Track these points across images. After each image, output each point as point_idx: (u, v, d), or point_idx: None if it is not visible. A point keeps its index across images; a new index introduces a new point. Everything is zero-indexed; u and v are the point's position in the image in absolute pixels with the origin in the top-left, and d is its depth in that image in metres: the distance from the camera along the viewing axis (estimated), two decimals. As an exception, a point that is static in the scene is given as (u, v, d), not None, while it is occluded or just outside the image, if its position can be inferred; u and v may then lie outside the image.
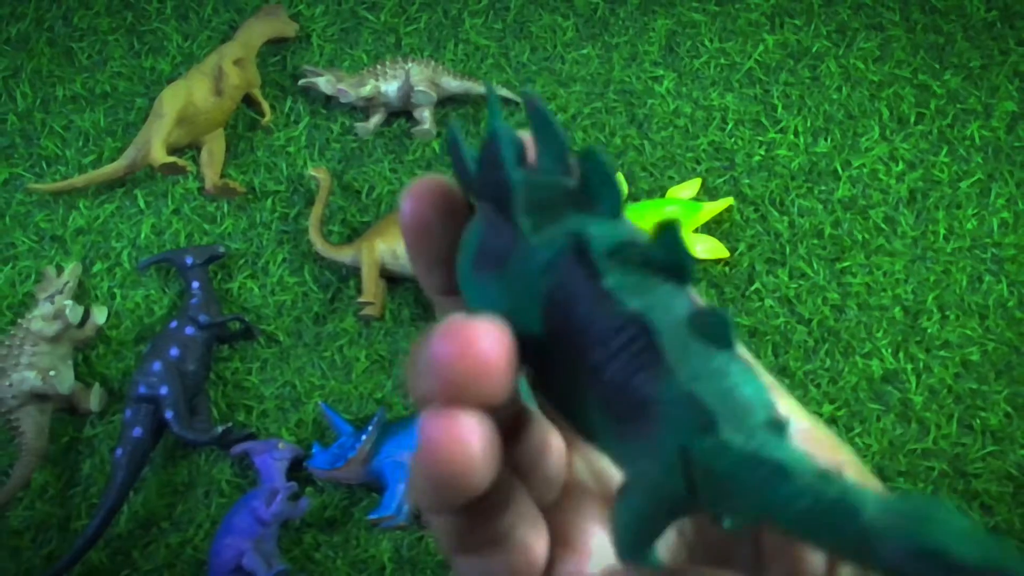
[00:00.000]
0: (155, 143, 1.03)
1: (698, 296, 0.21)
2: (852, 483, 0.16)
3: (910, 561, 0.15)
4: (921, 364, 0.97)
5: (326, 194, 1.04)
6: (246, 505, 0.88)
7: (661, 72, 1.13)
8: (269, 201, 1.07)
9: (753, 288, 1.01)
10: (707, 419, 0.17)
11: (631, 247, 0.19)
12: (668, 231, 0.19)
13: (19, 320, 0.97)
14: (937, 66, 1.12)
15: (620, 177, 0.22)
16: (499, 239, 0.21)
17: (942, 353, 0.97)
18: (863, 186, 1.06)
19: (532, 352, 0.20)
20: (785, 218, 1.04)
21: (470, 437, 0.18)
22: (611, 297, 0.19)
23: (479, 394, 0.18)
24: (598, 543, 0.23)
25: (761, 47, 1.13)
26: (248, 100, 1.12)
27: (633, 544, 0.19)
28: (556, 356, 0.20)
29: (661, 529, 0.19)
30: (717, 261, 1.02)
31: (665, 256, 0.19)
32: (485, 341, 0.18)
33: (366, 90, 1.08)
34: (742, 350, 0.22)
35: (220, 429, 0.92)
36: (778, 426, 0.17)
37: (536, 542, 0.22)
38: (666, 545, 0.24)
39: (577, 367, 0.19)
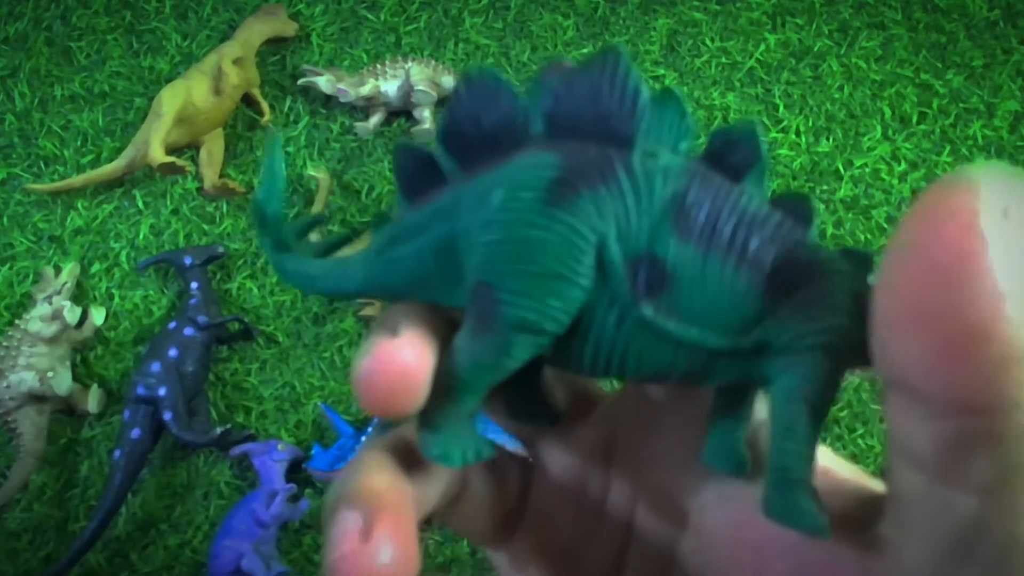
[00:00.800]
0: (154, 143, 1.02)
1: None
2: None
3: None
4: (924, 365, 0.96)
5: (326, 194, 1.03)
6: (246, 507, 0.87)
7: (662, 71, 1.12)
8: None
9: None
10: (871, 263, 0.20)
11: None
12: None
13: (17, 321, 0.96)
14: (939, 65, 1.11)
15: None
16: (594, 163, 0.20)
17: (945, 353, 0.97)
18: (865, 186, 1.05)
19: (653, 265, 0.20)
20: (787, 218, 1.04)
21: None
22: (748, 192, 0.20)
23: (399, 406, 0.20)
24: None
25: (762, 46, 1.13)
26: (247, 99, 1.12)
27: (816, 426, 0.19)
28: (683, 256, 0.20)
29: (835, 392, 0.19)
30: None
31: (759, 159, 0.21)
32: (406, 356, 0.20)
33: (366, 89, 1.08)
34: None
35: (219, 430, 0.91)
36: None
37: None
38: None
39: (710, 260, 0.20)
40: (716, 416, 0.23)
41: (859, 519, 0.20)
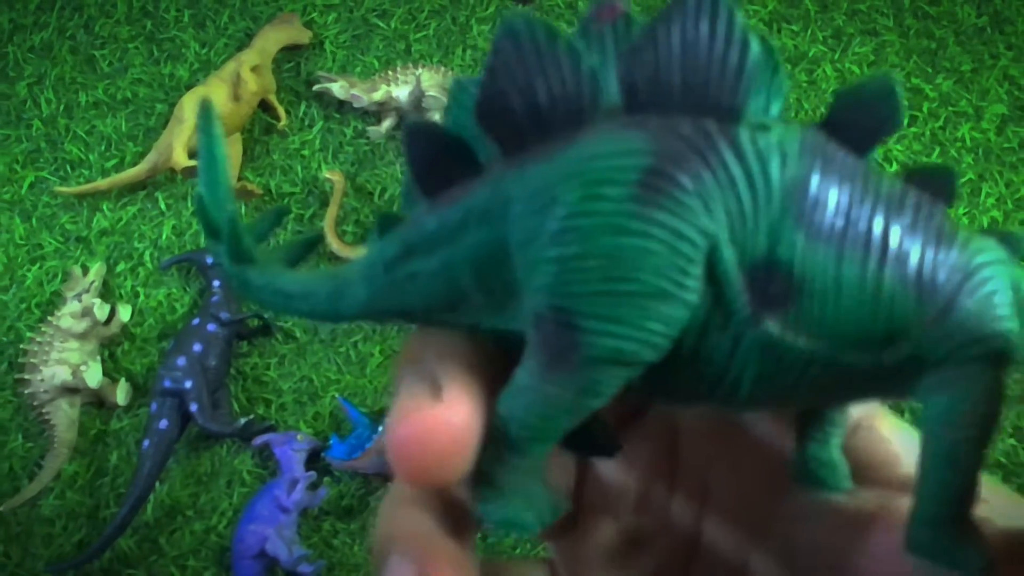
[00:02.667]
0: (177, 147, 1.06)
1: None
2: None
3: None
4: (914, 357, 1.00)
5: (340, 196, 1.08)
6: (268, 493, 0.92)
7: (663, 77, 1.16)
8: (285, 202, 1.11)
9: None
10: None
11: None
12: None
13: (49, 318, 1.01)
14: (929, 70, 1.16)
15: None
16: (691, 144, 0.16)
17: (934, 347, 1.01)
18: (858, 186, 1.10)
19: (785, 253, 0.16)
20: (783, 217, 1.08)
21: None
22: (875, 169, 0.17)
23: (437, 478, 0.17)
24: None
25: (759, 52, 1.17)
26: (264, 105, 1.16)
27: (982, 453, 0.16)
28: (813, 259, 0.16)
29: (1001, 410, 0.16)
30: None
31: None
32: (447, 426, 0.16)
33: (378, 95, 1.12)
34: None
35: (242, 421, 0.96)
36: None
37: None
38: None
39: (846, 260, 0.16)
40: (808, 427, 0.20)
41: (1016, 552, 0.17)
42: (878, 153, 1.12)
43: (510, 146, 0.17)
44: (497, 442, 0.17)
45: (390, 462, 0.16)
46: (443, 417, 0.16)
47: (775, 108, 0.17)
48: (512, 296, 0.18)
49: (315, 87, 1.15)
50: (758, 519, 0.22)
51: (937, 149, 1.11)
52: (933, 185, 0.17)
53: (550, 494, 0.18)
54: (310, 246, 0.24)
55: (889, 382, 0.17)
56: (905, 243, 0.16)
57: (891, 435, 0.21)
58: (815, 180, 0.16)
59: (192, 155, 1.10)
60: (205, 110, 0.21)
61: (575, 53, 0.16)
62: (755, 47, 0.16)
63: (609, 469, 0.23)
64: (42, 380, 0.96)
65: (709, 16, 0.16)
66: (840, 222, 0.16)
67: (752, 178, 0.16)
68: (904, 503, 0.19)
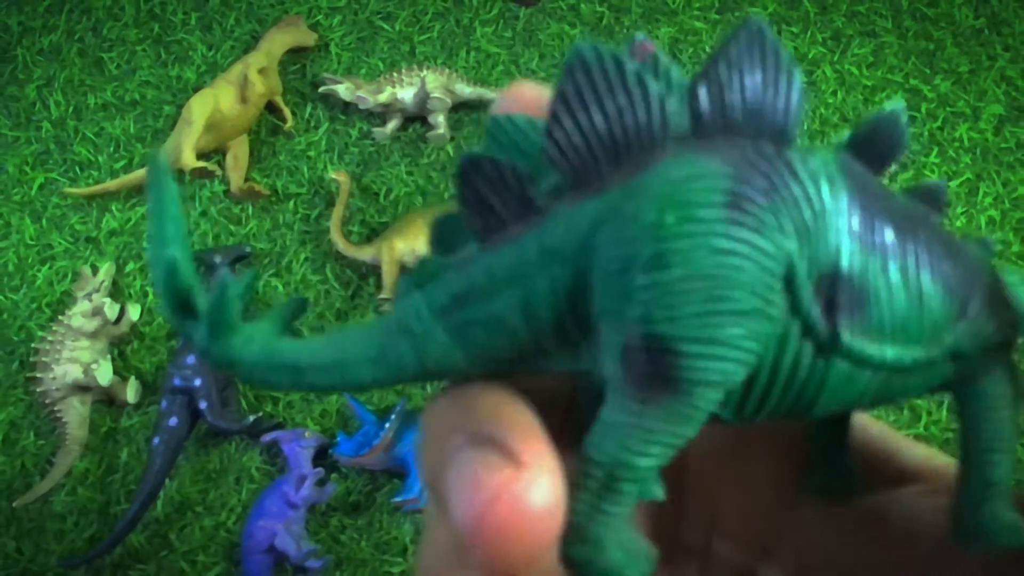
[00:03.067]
0: (185, 149, 1.08)
1: None
2: None
3: None
4: (912, 355, 1.02)
5: (346, 196, 1.09)
6: (277, 490, 0.93)
7: (664, 78, 1.18)
8: (292, 203, 1.13)
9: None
10: (993, 248, 0.19)
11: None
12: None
13: (60, 317, 1.02)
14: (928, 71, 1.17)
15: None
16: (755, 166, 0.17)
17: (932, 344, 1.02)
18: (857, 186, 1.11)
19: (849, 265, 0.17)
20: (783, 217, 1.10)
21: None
22: (887, 185, 0.19)
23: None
24: None
25: (760, 53, 1.19)
26: (270, 107, 1.17)
27: (1016, 430, 0.18)
28: (869, 268, 0.17)
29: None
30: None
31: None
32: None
33: (383, 96, 1.14)
34: None
35: (251, 419, 0.97)
36: None
37: None
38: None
39: (890, 267, 0.17)
40: (820, 436, 0.21)
41: None
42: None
43: (582, 176, 0.17)
44: (587, 491, 0.17)
45: (472, 550, 0.15)
46: (535, 489, 0.15)
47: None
48: (585, 333, 0.17)
49: (321, 89, 1.17)
50: (768, 530, 0.22)
51: (935, 149, 1.13)
52: (928, 198, 0.19)
53: (642, 541, 0.17)
54: (297, 311, 0.20)
55: (933, 375, 0.18)
56: (930, 250, 0.18)
57: (882, 433, 0.22)
58: (856, 198, 0.17)
59: (200, 156, 1.12)
60: (154, 164, 0.18)
61: (643, 81, 0.17)
62: (799, 77, 0.17)
63: None
64: (54, 378, 0.98)
65: (760, 50, 0.17)
66: (879, 235, 0.17)
67: (809, 196, 0.17)
68: (907, 494, 0.20)
